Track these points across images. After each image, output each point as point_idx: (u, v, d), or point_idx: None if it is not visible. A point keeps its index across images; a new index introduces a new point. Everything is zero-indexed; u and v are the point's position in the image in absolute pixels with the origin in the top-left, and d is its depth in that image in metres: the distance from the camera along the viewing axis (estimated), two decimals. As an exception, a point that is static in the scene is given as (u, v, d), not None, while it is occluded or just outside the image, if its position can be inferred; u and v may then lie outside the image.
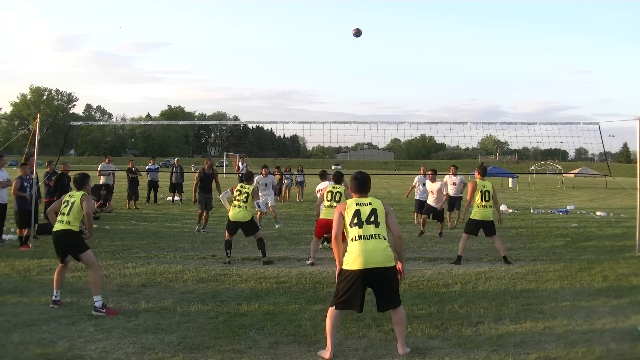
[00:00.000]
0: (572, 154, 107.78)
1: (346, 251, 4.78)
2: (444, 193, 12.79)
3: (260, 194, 13.54)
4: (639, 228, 9.93)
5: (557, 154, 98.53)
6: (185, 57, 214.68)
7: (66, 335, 5.17)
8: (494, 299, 6.65)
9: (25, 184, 10.28)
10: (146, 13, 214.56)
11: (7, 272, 7.87)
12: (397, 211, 15.19)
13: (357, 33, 8.83)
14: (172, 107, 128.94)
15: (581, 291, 7.14)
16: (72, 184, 6.94)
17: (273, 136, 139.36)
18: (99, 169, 17.37)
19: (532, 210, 19.33)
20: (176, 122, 75.87)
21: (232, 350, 4.81)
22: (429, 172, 12.89)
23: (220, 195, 10.31)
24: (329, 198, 8.99)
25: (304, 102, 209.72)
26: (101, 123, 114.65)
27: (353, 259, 4.66)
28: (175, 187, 19.96)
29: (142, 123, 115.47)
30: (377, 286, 4.75)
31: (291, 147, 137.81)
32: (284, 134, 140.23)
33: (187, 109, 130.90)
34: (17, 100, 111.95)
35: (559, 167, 53.34)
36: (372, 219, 4.75)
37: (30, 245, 9.89)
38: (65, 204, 6.28)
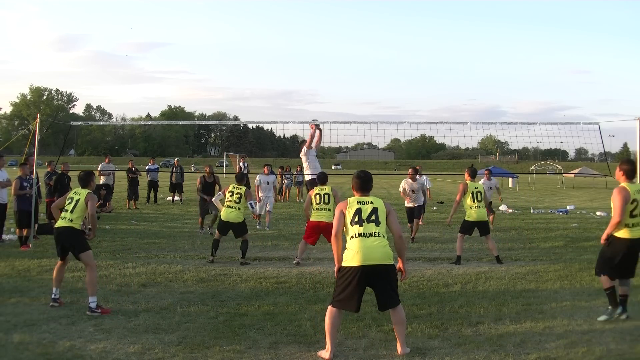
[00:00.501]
0: (572, 154, 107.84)
1: (345, 248, 4.79)
2: (427, 187, 13.91)
3: (260, 194, 13.51)
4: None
5: (557, 154, 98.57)
6: (185, 57, 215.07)
7: (66, 335, 5.17)
8: (494, 299, 6.65)
9: (25, 183, 10.27)
10: (146, 13, 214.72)
11: (7, 272, 7.87)
12: (398, 211, 15.14)
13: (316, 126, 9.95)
14: (172, 107, 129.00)
15: (581, 291, 7.14)
16: (76, 182, 6.93)
17: (273, 136, 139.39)
18: (99, 169, 17.37)
19: (532, 210, 19.33)
20: (176, 122, 75.96)
21: (232, 350, 4.81)
22: (409, 172, 12.35)
23: (213, 198, 10.28)
24: (317, 201, 8.88)
25: (304, 102, 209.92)
26: (101, 123, 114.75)
27: (352, 256, 4.68)
28: (175, 187, 19.97)
29: (142, 123, 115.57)
30: (376, 284, 4.75)
31: (291, 147, 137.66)
32: (284, 134, 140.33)
33: (187, 109, 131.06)
34: (17, 100, 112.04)
35: (559, 167, 53.36)
36: (373, 217, 4.76)
37: (30, 245, 9.88)
38: (70, 200, 6.29)
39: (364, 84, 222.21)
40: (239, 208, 9.07)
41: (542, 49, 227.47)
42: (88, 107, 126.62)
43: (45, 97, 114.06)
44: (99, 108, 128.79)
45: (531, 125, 10.81)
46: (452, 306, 6.30)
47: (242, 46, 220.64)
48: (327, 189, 8.97)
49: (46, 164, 13.39)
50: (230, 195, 9.17)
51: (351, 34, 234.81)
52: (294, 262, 8.87)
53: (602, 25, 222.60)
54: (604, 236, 5.87)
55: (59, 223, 6.25)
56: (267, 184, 13.66)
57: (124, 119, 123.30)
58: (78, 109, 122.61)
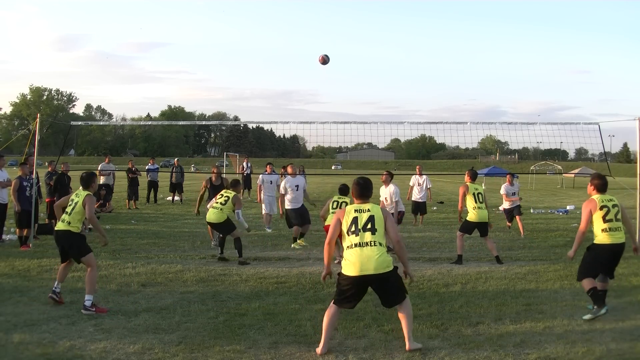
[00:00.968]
0: (572, 154, 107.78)
1: (343, 257, 4.84)
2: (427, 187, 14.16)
3: (263, 194, 13.34)
4: (639, 228, 9.92)
5: (557, 154, 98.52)
6: (185, 57, 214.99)
7: (66, 335, 5.17)
8: (494, 299, 6.65)
9: (25, 183, 10.27)
10: (146, 13, 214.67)
11: (7, 272, 7.87)
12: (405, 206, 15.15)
13: (324, 60, 9.04)
14: (172, 107, 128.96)
15: (581, 291, 7.09)
16: (77, 182, 6.92)
17: (273, 136, 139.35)
18: (99, 169, 17.35)
19: (532, 210, 19.31)
20: (176, 122, 75.91)
21: (232, 350, 4.81)
22: (383, 174, 10.91)
23: (207, 205, 10.15)
24: (334, 207, 9.09)
25: (304, 102, 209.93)
26: (101, 123, 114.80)
27: (349, 266, 4.73)
28: (175, 187, 19.98)
29: (142, 123, 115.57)
30: (376, 289, 4.82)
31: (291, 147, 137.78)
32: (284, 134, 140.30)
33: (187, 109, 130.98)
34: (17, 100, 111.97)
35: (559, 167, 53.32)
36: (369, 226, 4.77)
37: (30, 245, 9.88)
38: (70, 202, 6.29)
39: (364, 84, 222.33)
40: (221, 209, 9.07)
41: (542, 49, 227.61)
42: (88, 107, 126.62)
43: (45, 97, 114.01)
44: (99, 108, 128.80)
45: (531, 125, 10.82)
46: (452, 306, 6.30)
47: (242, 46, 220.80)
48: (346, 199, 9.11)
49: (46, 164, 13.40)
50: (220, 197, 9.26)
51: (351, 34, 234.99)
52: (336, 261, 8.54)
53: (602, 25, 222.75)
54: (573, 249, 6.17)
55: (58, 225, 6.24)
56: (271, 183, 13.40)
57: (124, 119, 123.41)
58: (78, 109, 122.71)
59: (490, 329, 5.51)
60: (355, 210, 4.86)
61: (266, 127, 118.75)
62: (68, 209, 6.23)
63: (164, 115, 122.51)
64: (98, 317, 5.74)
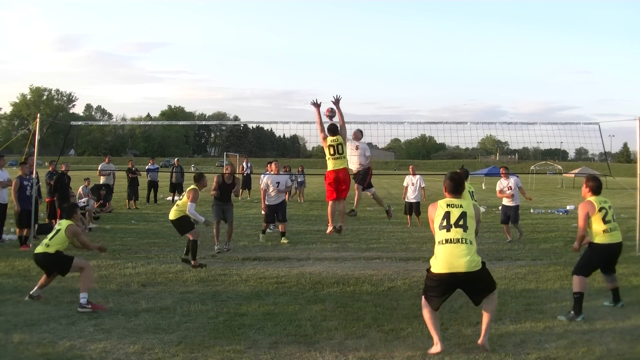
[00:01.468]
0: (572, 154, 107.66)
1: (434, 253, 4.85)
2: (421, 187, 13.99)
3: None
4: (639, 228, 9.93)
5: (557, 154, 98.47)
6: (185, 57, 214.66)
7: (66, 335, 5.18)
8: (494, 299, 6.65)
9: (26, 183, 10.28)
10: (146, 13, 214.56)
11: (7, 272, 7.87)
12: (397, 211, 15.19)
13: (331, 114, 8.89)
14: (172, 107, 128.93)
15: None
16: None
17: (273, 136, 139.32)
18: (99, 169, 17.38)
19: (532, 210, 19.31)
20: (176, 122, 75.93)
21: (232, 350, 4.81)
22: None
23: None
24: (331, 152, 8.27)
25: (305, 102, 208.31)
26: (101, 123, 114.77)
27: (438, 263, 4.73)
28: (175, 187, 19.97)
29: (142, 123, 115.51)
30: (464, 288, 4.80)
31: (291, 147, 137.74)
32: (284, 134, 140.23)
33: (187, 109, 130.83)
34: (17, 100, 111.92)
35: (559, 167, 53.32)
36: (461, 222, 4.74)
37: (30, 245, 9.87)
38: (54, 230, 6.35)
39: (364, 84, 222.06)
40: (177, 206, 8.72)
41: (542, 49, 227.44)
42: (88, 107, 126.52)
43: (45, 97, 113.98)
44: (99, 108, 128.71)
45: (531, 125, 10.81)
46: (452, 306, 6.30)
47: (242, 46, 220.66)
48: (339, 139, 8.32)
49: (46, 163, 13.40)
50: (183, 195, 8.90)
51: (351, 34, 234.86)
52: (332, 228, 8.36)
53: (602, 25, 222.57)
54: (578, 242, 6.27)
55: (37, 249, 6.31)
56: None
57: (124, 119, 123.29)
58: (78, 109, 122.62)
59: (491, 329, 5.49)
60: (447, 205, 4.83)
61: (266, 127, 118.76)
62: (49, 235, 6.31)
63: (164, 115, 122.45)
64: (98, 317, 5.74)
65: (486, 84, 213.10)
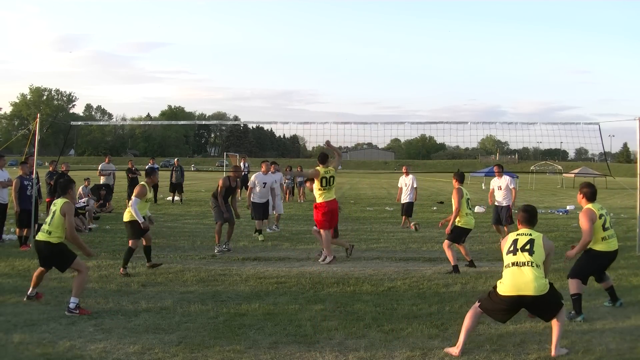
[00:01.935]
0: (572, 154, 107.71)
1: (500, 278, 4.88)
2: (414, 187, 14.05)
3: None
4: (639, 228, 9.94)
5: (557, 154, 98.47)
6: (185, 57, 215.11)
7: (66, 335, 5.17)
8: (494, 299, 6.64)
9: (26, 182, 10.27)
10: (146, 13, 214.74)
11: (7, 272, 7.87)
12: (395, 211, 15.20)
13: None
14: (172, 107, 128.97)
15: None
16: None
17: (273, 136, 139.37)
18: (99, 169, 17.39)
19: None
20: (176, 122, 75.91)
21: (232, 350, 4.81)
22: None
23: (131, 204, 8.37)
24: (323, 184, 8.83)
25: (305, 102, 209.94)
26: (101, 123, 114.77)
27: (505, 286, 4.76)
28: (175, 187, 19.99)
29: (142, 123, 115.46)
30: (531, 309, 4.85)
31: (291, 147, 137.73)
32: (284, 134, 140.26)
33: (187, 109, 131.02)
34: (17, 100, 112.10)
35: (559, 167, 53.33)
36: (527, 247, 4.82)
37: (30, 245, 9.87)
38: (50, 212, 6.13)
39: (364, 84, 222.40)
40: (127, 209, 8.20)
41: (542, 49, 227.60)
42: (88, 107, 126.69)
43: (45, 97, 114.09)
44: (99, 108, 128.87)
45: (531, 125, 10.82)
46: (452, 306, 6.30)
47: (242, 46, 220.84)
48: (331, 171, 8.90)
49: (46, 163, 13.41)
50: None
51: (351, 34, 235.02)
52: (327, 260, 8.82)
53: (602, 25, 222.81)
54: (575, 251, 6.16)
55: (39, 236, 6.04)
56: (276, 181, 13.36)
57: (124, 119, 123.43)
58: (78, 109, 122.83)
59: (490, 329, 5.50)
60: (517, 234, 4.97)
61: (266, 127, 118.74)
62: (47, 219, 6.06)
63: (164, 115, 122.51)
64: (98, 317, 5.73)
65: (486, 84, 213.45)
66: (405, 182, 14.04)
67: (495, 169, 12.05)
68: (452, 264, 8.41)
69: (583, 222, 6.06)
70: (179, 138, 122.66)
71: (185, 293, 6.83)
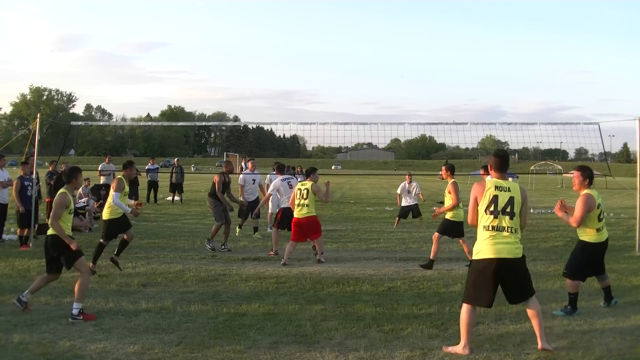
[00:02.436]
0: (572, 154, 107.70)
1: (477, 239, 4.81)
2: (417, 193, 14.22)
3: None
4: (639, 228, 9.94)
5: (557, 154, 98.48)
6: (185, 57, 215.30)
7: (66, 335, 5.17)
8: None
9: (27, 182, 10.27)
10: (146, 13, 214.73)
11: (7, 272, 7.87)
12: (395, 211, 15.19)
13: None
14: (172, 107, 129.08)
15: (581, 291, 7.10)
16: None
17: (273, 136, 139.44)
18: (99, 169, 17.37)
19: (532, 210, 19.32)
20: (176, 122, 75.91)
21: (232, 350, 4.81)
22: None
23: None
24: (297, 196, 8.94)
25: (305, 102, 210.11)
26: (101, 123, 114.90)
27: (484, 250, 4.71)
28: (175, 187, 19.99)
29: (142, 123, 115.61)
30: (507, 278, 4.75)
31: (291, 147, 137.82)
32: (284, 134, 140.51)
33: (187, 109, 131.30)
34: (17, 100, 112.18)
35: (559, 167, 53.30)
36: (509, 209, 4.72)
37: (30, 245, 9.88)
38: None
39: (364, 84, 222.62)
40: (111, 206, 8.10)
41: (542, 49, 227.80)
42: (88, 107, 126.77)
43: (45, 97, 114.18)
44: (99, 108, 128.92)
45: (531, 125, 10.82)
46: (452, 306, 6.30)
47: (242, 46, 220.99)
48: (307, 184, 8.99)
49: (47, 163, 13.41)
50: None
51: (351, 34, 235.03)
52: (281, 262, 8.81)
53: (602, 25, 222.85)
54: (562, 216, 6.11)
55: (49, 231, 5.99)
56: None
57: (124, 119, 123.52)
58: (78, 109, 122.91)
59: (490, 329, 5.51)
60: (496, 187, 4.78)
61: (266, 127, 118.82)
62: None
63: (164, 115, 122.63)
64: (98, 317, 5.73)
65: (486, 84, 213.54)
66: (408, 189, 14.12)
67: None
68: (431, 257, 8.54)
69: (579, 208, 5.87)
70: (179, 138, 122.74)
71: (185, 293, 6.83)
